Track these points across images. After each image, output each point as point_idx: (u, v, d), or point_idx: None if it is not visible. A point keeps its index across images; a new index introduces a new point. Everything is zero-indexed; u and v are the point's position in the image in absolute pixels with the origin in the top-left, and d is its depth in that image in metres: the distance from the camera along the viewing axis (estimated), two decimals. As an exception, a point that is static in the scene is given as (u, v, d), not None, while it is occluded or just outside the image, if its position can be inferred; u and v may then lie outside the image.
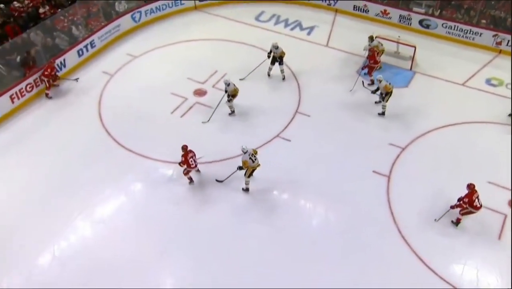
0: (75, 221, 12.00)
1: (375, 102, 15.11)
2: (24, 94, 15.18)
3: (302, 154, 13.61)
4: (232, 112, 14.76)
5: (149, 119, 14.68)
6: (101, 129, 14.42)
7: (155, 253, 11.33)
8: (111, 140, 14.03)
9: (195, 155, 12.24)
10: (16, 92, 14.94)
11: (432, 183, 12.83)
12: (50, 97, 15.44)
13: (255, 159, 12.10)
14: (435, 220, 11.95)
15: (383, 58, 16.48)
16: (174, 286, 10.92)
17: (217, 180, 12.77)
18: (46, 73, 15.14)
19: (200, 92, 15.69)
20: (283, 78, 16.11)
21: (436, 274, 10.91)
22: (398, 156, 13.49)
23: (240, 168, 12.17)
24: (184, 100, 15.26)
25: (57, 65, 15.95)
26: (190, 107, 15.04)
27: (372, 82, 15.79)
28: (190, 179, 12.61)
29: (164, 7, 19.42)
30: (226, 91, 14.48)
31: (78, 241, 11.65)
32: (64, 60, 16.32)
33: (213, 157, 13.38)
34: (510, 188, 12.62)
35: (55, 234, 11.73)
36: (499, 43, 17.45)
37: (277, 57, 15.82)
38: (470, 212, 11.50)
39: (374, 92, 14.80)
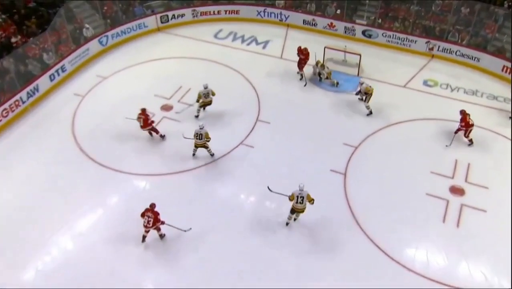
0: (56, 235, 11.67)
1: (359, 99, 15.45)
2: (0, 120, 14.71)
3: (264, 159, 13.66)
4: (196, 117, 14.88)
5: (121, 135, 14.46)
6: (75, 147, 14.11)
7: (135, 264, 11.08)
8: (85, 157, 13.75)
9: (155, 217, 11.00)
10: (-8, 118, 14.48)
11: (383, 176, 13.13)
12: None
13: (302, 202, 11.20)
14: (446, 145, 13.65)
15: (332, 66, 16.84)
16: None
17: (269, 188, 11.90)
18: None
19: (167, 108, 15.57)
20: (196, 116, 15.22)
21: (392, 259, 11.14)
22: (352, 154, 13.73)
23: (283, 195, 11.29)
24: (152, 116, 14.91)
25: (30, 90, 15.54)
26: (158, 122, 14.87)
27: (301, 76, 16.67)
28: (144, 238, 11.36)
29: (129, 30, 19.24)
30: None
31: (60, 255, 11.32)
32: (37, 85, 15.87)
33: (179, 166, 13.27)
34: (451, 176, 13.06)
35: (38, 249, 11.38)
36: (431, 49, 18.12)
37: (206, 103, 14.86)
38: (470, 130, 13.62)
39: (356, 94, 15.26)
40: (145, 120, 13.85)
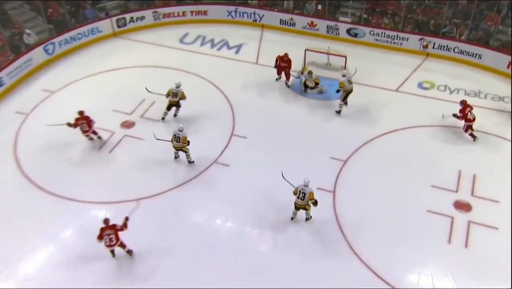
0: (-5, 281, 11.21)
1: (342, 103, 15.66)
2: None
3: (241, 178, 13.56)
4: (163, 119, 15.32)
5: (73, 159, 14.24)
6: (19, 174, 13.75)
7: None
8: (31, 185, 13.38)
9: (115, 233, 11.11)
10: None
11: (378, 192, 13.12)
12: None
13: (303, 199, 11.77)
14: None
15: (314, 71, 16.87)
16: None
17: (282, 175, 12.29)
18: None
19: (128, 124, 15.42)
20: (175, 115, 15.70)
21: (391, 286, 11.02)
22: (341, 169, 13.73)
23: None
24: (111, 134, 14.93)
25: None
26: (119, 141, 14.72)
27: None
28: (112, 252, 11.56)
29: (79, 36, 19.10)
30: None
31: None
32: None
33: (144, 192, 13.04)
34: (455, 190, 13.11)
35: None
36: (426, 46, 18.38)
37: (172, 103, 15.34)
38: (469, 126, 14.06)
39: (337, 91, 15.48)
40: (89, 123, 14.13)
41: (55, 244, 12.07)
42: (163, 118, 15.37)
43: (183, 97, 15.04)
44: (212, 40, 19.63)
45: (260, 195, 13.01)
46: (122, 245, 11.35)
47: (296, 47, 17.49)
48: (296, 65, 16.99)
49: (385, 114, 15.67)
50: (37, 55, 17.87)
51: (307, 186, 11.74)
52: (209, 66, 17.83)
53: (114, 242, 11.10)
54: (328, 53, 17.64)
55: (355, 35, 19.13)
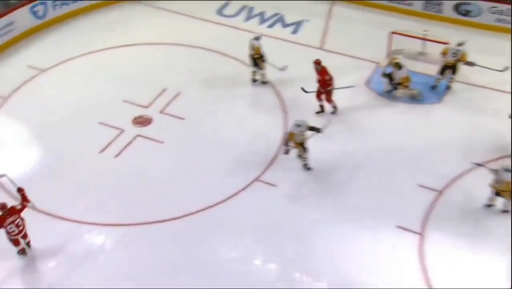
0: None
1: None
2: None
3: (291, 202, 13.68)
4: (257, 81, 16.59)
5: (66, 163, 14.58)
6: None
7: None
8: (8, 198, 13.25)
9: (19, 215, 11.82)
10: None
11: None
12: None
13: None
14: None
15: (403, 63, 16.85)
16: None
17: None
18: None
19: (142, 121, 15.69)
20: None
21: None
22: (434, 202, 13.64)
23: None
24: (119, 133, 15.29)
25: None
26: (129, 143, 15.03)
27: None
28: (22, 250, 12.29)
29: (82, -4, 19.41)
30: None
31: None
32: None
33: (151, 214, 13.27)
34: None
35: None
36: None
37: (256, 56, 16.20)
38: None
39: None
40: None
41: (36, 271, 12.42)
42: (255, 81, 16.67)
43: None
44: (261, 14, 19.83)
45: (325, 232, 13.15)
46: (25, 234, 12.00)
47: (377, 29, 17.34)
48: (375, 55, 16.86)
49: (501, 129, 15.15)
50: (22, 18, 18.29)
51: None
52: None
53: (22, 228, 11.74)
54: (424, 39, 17.59)
55: (466, 13, 19.04)
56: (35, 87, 16.97)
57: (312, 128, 13.85)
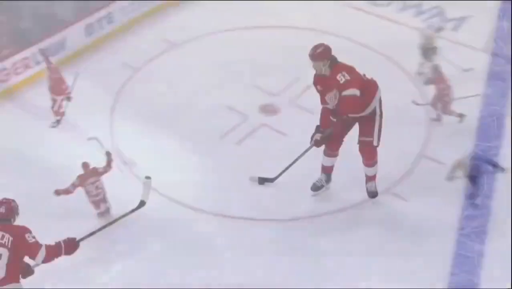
0: None
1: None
2: None
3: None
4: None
5: (187, 147, 14.36)
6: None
7: None
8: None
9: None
10: None
11: None
12: None
13: None
14: None
15: None
16: None
17: None
18: None
19: (269, 110, 15.37)
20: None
21: None
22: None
23: None
24: (243, 119, 14.91)
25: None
26: (253, 131, 14.66)
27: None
28: (102, 213, 12.15)
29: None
30: None
31: None
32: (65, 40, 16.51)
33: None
34: None
35: None
36: None
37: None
38: None
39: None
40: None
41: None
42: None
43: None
44: (418, 6, 18.98)
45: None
46: (104, 200, 12.22)
47: None
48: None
49: None
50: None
51: None
52: (409, 46, 16.38)
53: (101, 190, 11.93)
54: None
55: None
56: (165, 60, 17.17)
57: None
